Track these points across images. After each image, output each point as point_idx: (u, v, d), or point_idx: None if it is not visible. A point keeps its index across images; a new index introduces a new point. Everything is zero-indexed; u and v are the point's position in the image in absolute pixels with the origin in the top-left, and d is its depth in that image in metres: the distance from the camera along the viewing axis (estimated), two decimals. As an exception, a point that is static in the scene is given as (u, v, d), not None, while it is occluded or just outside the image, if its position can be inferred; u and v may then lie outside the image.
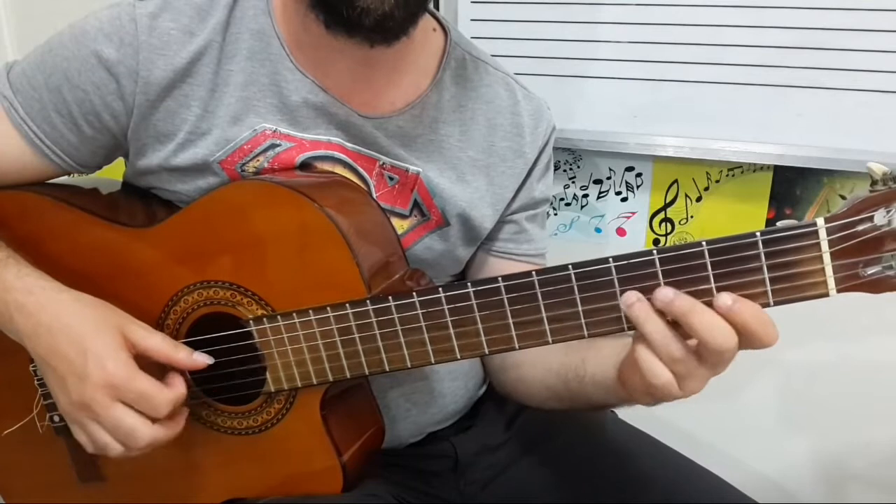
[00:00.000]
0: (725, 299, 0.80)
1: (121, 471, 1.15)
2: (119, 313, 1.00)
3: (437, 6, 1.64)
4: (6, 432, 1.15)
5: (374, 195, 1.10)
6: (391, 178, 1.11)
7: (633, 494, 1.16)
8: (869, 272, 0.79)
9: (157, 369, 0.98)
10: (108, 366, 0.94)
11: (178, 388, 0.98)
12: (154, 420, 0.96)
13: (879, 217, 0.77)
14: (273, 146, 1.06)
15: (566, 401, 1.10)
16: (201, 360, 1.01)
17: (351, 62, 1.07)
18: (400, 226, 1.12)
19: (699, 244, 0.80)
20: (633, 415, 1.16)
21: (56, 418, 1.14)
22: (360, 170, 1.10)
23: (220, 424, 1.09)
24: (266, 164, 1.06)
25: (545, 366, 1.12)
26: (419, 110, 1.12)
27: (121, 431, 0.95)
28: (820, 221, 0.78)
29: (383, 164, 1.10)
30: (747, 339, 0.82)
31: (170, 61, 1.03)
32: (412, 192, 1.12)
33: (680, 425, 1.78)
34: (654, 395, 0.89)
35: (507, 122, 1.18)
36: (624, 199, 1.72)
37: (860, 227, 0.78)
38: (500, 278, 0.89)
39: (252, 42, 1.06)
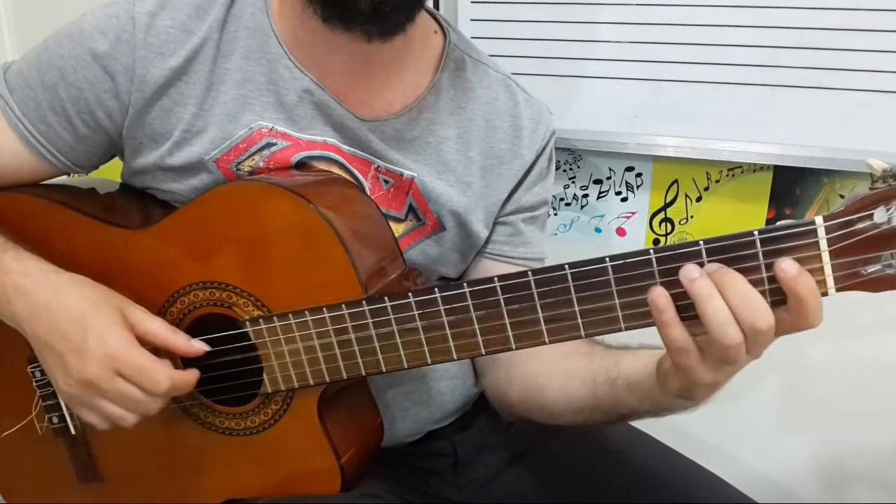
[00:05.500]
0: (791, 266, 0.78)
1: (120, 471, 1.16)
2: (118, 295, 1.01)
3: (436, 6, 1.64)
4: (5, 433, 1.16)
5: None
6: (386, 182, 1.11)
7: (634, 494, 1.16)
8: (869, 271, 0.78)
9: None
10: (108, 340, 0.94)
11: (186, 373, 1.00)
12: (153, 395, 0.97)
13: (879, 215, 0.76)
14: (269, 145, 1.06)
15: (586, 411, 1.06)
16: (198, 346, 1.01)
17: (349, 59, 1.06)
18: (395, 230, 1.11)
19: (696, 244, 0.80)
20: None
21: (55, 419, 1.14)
22: (356, 172, 1.09)
23: (218, 425, 1.08)
24: (261, 164, 1.06)
25: (566, 375, 1.08)
26: (416, 113, 1.12)
27: (129, 401, 0.96)
28: (818, 220, 0.77)
29: (378, 167, 1.10)
30: (798, 314, 0.79)
31: (167, 60, 1.03)
32: (407, 196, 1.12)
33: (680, 425, 1.77)
34: (690, 391, 0.88)
35: (506, 123, 1.18)
36: (624, 199, 1.72)
37: (859, 226, 0.77)
38: (496, 278, 0.88)
39: (249, 40, 1.06)
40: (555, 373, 1.10)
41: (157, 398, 0.97)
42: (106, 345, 0.94)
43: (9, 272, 1.00)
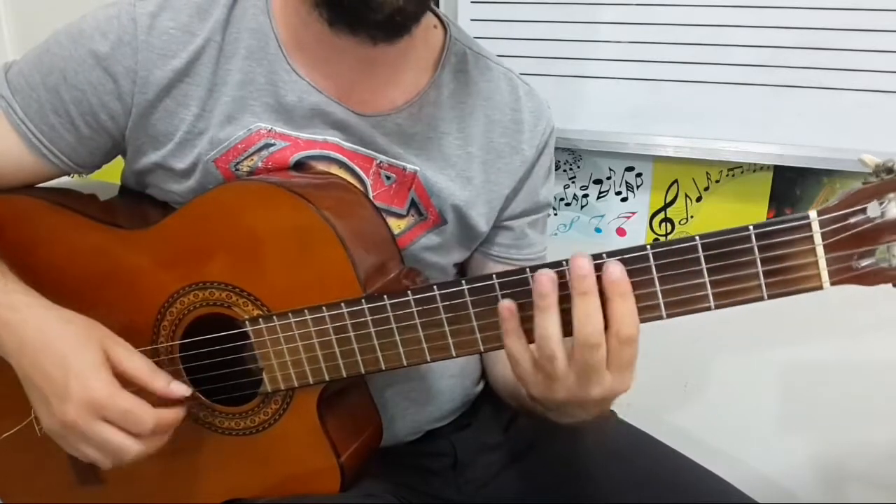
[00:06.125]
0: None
1: (119, 472, 1.14)
2: (103, 330, 1.00)
3: (436, 6, 1.64)
4: (4, 435, 1.15)
5: (371, 194, 1.10)
6: (388, 177, 1.11)
7: (633, 494, 1.15)
8: (862, 264, 0.79)
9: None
10: (90, 384, 0.94)
11: (171, 411, 0.99)
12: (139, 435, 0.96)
13: (872, 209, 0.77)
14: (267, 146, 1.06)
15: (519, 405, 1.13)
16: (178, 390, 1.00)
17: (352, 61, 1.06)
18: (397, 225, 1.12)
19: (693, 239, 0.80)
20: (633, 415, 1.16)
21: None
22: (357, 169, 1.09)
23: (218, 425, 1.08)
24: (260, 164, 1.06)
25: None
26: (417, 108, 1.12)
27: (107, 448, 0.96)
28: (813, 214, 0.78)
29: (380, 162, 1.10)
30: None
31: (169, 61, 1.03)
32: (409, 191, 1.12)
33: (680, 425, 1.78)
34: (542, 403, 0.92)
35: (506, 118, 1.18)
36: (624, 199, 1.72)
37: (853, 220, 0.77)
38: (494, 275, 0.88)
39: (250, 41, 1.06)
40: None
41: (138, 443, 0.96)
42: (87, 389, 0.94)
43: None
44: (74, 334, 0.97)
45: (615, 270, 0.81)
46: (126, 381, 0.97)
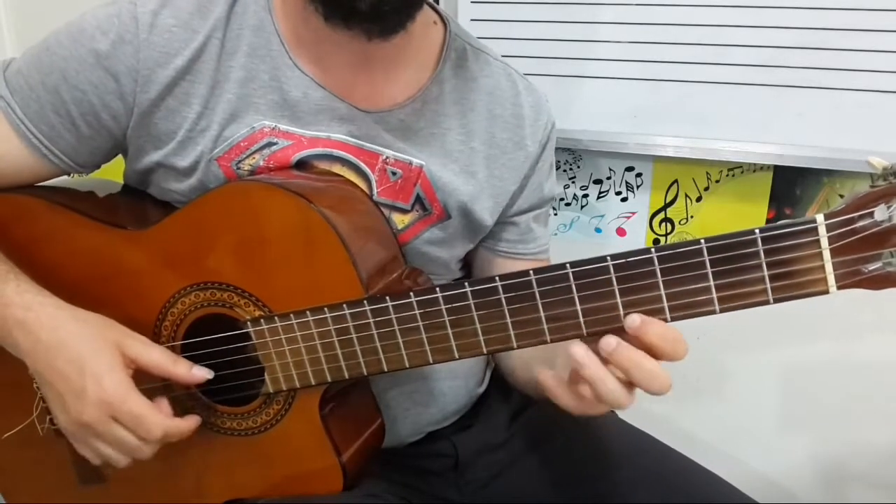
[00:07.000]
0: (634, 320, 0.84)
1: (121, 472, 1.14)
2: (117, 328, 1.00)
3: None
4: (6, 435, 1.15)
5: (376, 191, 1.10)
6: (394, 173, 1.11)
7: (633, 494, 1.15)
8: (869, 269, 0.78)
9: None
10: (105, 385, 0.94)
11: (183, 422, 1.01)
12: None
13: (880, 213, 0.76)
14: (270, 144, 1.05)
15: (535, 394, 1.13)
16: (200, 374, 1.01)
17: (351, 57, 1.06)
18: (401, 220, 1.12)
19: (698, 242, 0.80)
20: (633, 415, 1.15)
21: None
22: (362, 165, 1.09)
23: (220, 425, 1.08)
24: (262, 163, 1.06)
25: (531, 359, 1.13)
26: (420, 104, 1.12)
27: (122, 447, 0.97)
28: (819, 218, 0.77)
29: (386, 158, 1.10)
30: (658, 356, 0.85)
31: (172, 59, 1.02)
32: (415, 186, 1.12)
33: (680, 425, 1.78)
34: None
35: (507, 112, 1.18)
36: (624, 199, 1.72)
37: (860, 224, 0.77)
38: (497, 278, 0.88)
39: (252, 38, 1.06)
40: (525, 357, 1.15)
41: (151, 444, 0.98)
42: (103, 390, 0.94)
43: (10, 305, 0.99)
44: (90, 334, 0.98)
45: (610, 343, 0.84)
46: (149, 374, 0.98)
